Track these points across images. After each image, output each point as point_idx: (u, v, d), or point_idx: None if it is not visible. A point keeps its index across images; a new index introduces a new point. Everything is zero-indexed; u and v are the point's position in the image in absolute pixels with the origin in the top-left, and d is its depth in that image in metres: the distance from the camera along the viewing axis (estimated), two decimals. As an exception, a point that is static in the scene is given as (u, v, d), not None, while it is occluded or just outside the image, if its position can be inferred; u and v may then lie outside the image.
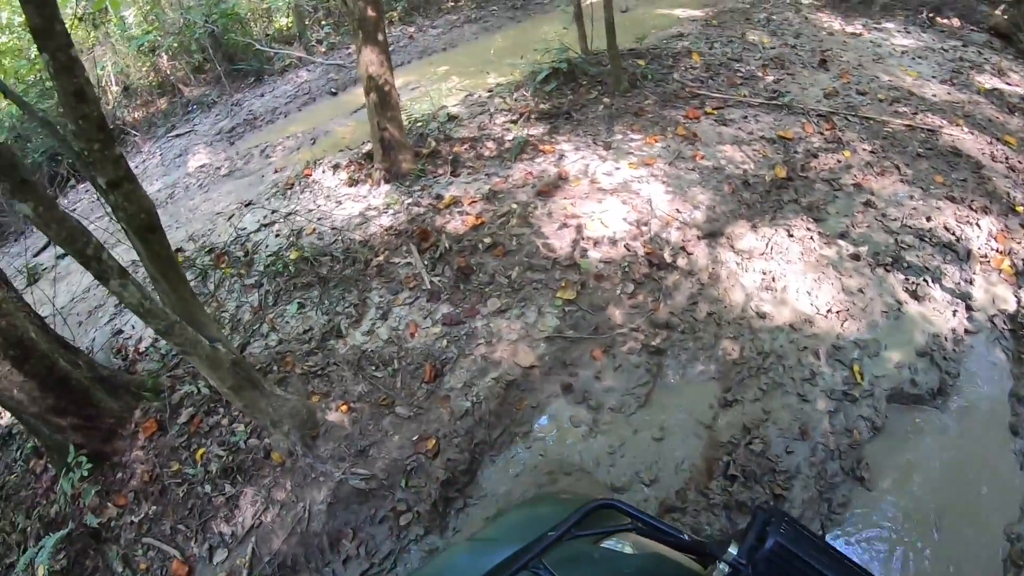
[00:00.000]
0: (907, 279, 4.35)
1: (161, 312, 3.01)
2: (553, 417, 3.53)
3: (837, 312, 4.13)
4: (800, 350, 3.96)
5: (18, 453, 4.51)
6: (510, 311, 3.75)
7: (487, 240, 4.08)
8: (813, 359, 3.94)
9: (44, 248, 7.44)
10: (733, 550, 1.66)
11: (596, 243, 4.13)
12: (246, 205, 5.79)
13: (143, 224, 2.97)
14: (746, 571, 1.61)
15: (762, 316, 4.07)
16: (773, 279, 4.26)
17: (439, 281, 3.92)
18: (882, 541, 3.35)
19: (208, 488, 3.54)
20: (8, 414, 5.08)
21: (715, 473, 3.56)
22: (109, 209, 2.96)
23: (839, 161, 5.22)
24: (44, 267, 6.78)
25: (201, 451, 3.67)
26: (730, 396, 3.75)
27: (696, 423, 3.64)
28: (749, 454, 3.57)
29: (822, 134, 5.49)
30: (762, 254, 4.39)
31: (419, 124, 5.97)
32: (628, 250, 4.14)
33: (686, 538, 1.85)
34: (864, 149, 5.37)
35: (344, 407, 3.50)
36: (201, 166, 7.93)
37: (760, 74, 6.26)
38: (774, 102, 5.72)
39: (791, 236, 4.54)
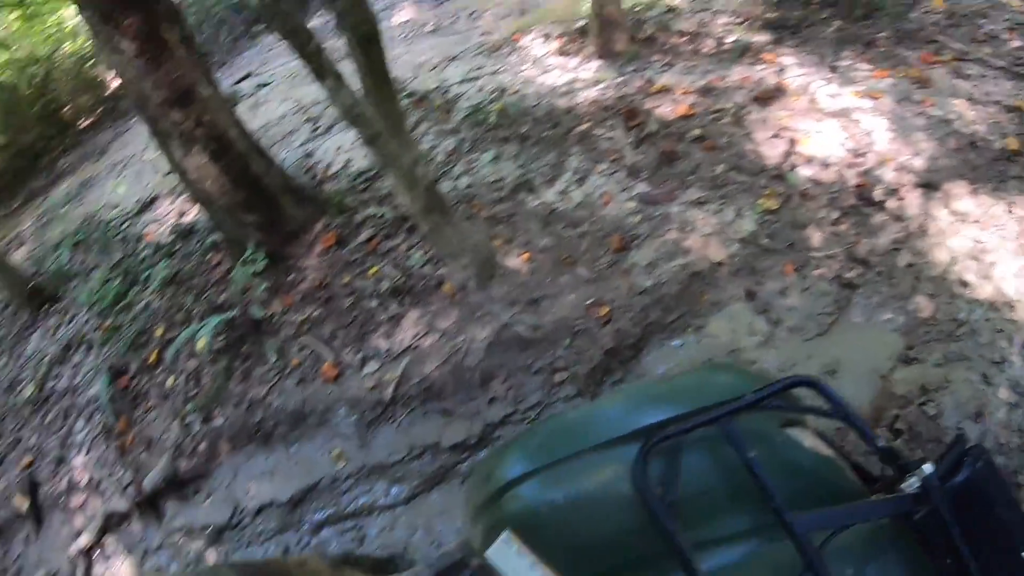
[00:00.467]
0: (1123, 295, 3.90)
1: (370, 120, 3.00)
2: (731, 319, 3.39)
3: (1042, 304, 3.75)
4: (995, 331, 3.64)
5: (197, 246, 4.77)
6: (708, 205, 3.59)
7: (696, 131, 3.88)
8: (1006, 344, 3.62)
9: (244, 78, 7.87)
10: (928, 468, 1.49)
11: (808, 161, 3.87)
12: (451, 59, 5.83)
13: (365, 33, 3.03)
14: (935, 495, 1.45)
15: (964, 284, 3.76)
16: (983, 250, 3.90)
17: (641, 160, 3.77)
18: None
19: (374, 303, 3.60)
20: (193, 212, 5.38)
21: (880, 423, 3.37)
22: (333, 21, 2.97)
23: (1076, 151, 4.66)
24: (243, 94, 7.09)
25: (374, 269, 3.72)
26: (912, 353, 3.50)
27: (871, 369, 3.44)
28: (921, 415, 3.36)
29: (1063, 116, 4.91)
30: (976, 221, 4.02)
31: (637, 9, 5.75)
32: (839, 177, 3.86)
33: (882, 442, 1.70)
34: (1106, 146, 4.78)
35: (525, 256, 3.45)
36: (405, 21, 7.98)
37: (1006, 37, 5.61)
38: (1017, 69, 5.12)
39: (1010, 213, 4.12)
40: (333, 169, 4.74)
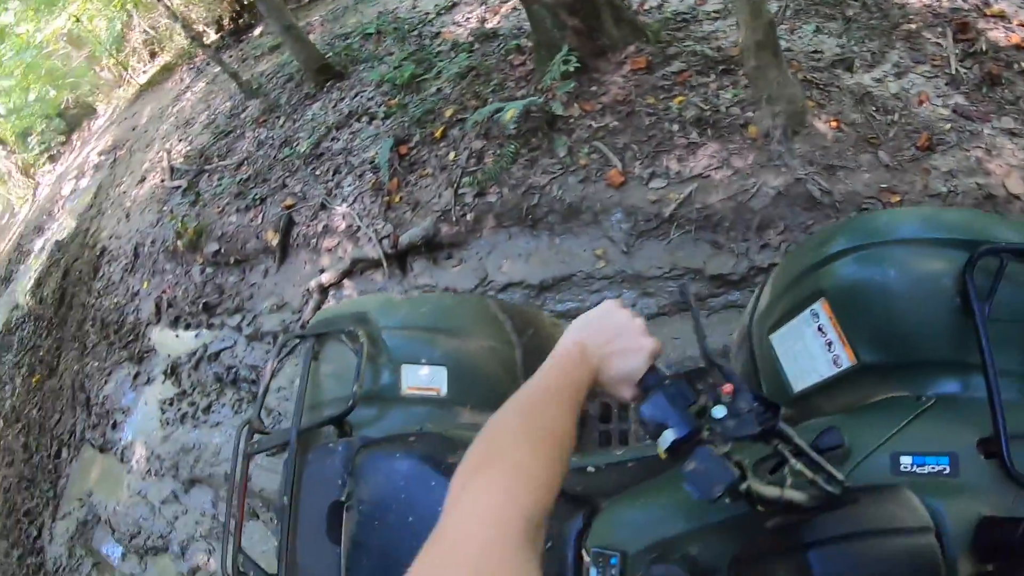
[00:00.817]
0: None
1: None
2: (1004, 259, 3.48)
3: None
4: None
5: (498, 48, 5.15)
6: (1019, 138, 3.64)
7: (1024, 65, 3.91)
8: None
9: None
10: None
11: None
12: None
13: None
14: None
15: None
16: None
17: (964, 74, 3.85)
18: None
19: (675, 127, 3.87)
20: (496, 20, 5.78)
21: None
22: None
23: None
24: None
25: (680, 98, 3.98)
26: None
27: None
28: None
29: None
30: None
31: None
32: None
33: None
34: None
35: (834, 123, 3.64)
36: None
37: None
38: None
39: None
40: (649, 4, 4.99)
